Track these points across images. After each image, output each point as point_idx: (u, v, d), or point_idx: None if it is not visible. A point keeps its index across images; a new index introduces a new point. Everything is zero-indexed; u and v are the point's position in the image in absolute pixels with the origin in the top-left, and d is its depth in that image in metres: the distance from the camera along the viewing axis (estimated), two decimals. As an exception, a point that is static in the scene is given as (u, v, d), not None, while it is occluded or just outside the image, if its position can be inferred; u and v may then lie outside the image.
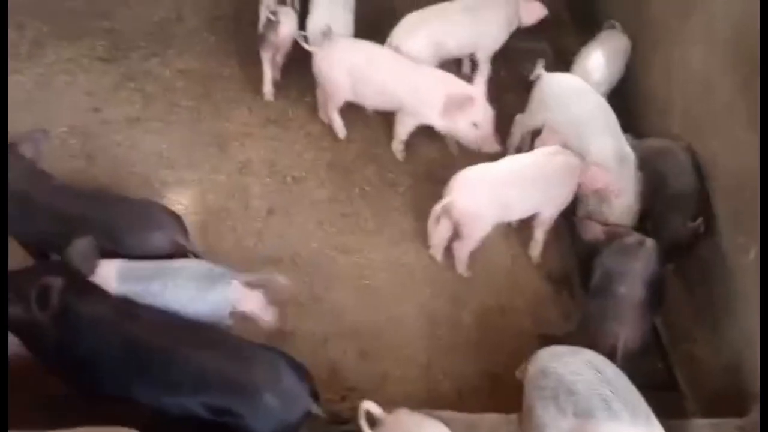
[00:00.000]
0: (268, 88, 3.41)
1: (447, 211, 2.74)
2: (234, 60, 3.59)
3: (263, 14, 3.22)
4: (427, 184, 3.26)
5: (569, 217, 2.95)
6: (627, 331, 2.33)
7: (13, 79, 3.29)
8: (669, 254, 2.56)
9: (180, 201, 2.99)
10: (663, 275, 2.51)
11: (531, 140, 3.14)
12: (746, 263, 2.37)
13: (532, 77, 3.14)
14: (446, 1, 3.39)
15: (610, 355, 2.12)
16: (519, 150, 3.21)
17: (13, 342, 2.02)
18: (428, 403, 2.29)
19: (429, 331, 2.77)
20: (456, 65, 3.62)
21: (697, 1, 2.85)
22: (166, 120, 3.28)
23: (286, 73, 3.45)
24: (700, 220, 2.56)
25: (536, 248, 3.02)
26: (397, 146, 3.30)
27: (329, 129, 3.38)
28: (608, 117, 2.93)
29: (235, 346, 2.09)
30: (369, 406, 1.93)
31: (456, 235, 2.84)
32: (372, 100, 3.18)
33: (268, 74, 3.37)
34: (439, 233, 2.87)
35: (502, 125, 3.13)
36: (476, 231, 2.81)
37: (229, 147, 3.26)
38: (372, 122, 3.43)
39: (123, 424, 1.80)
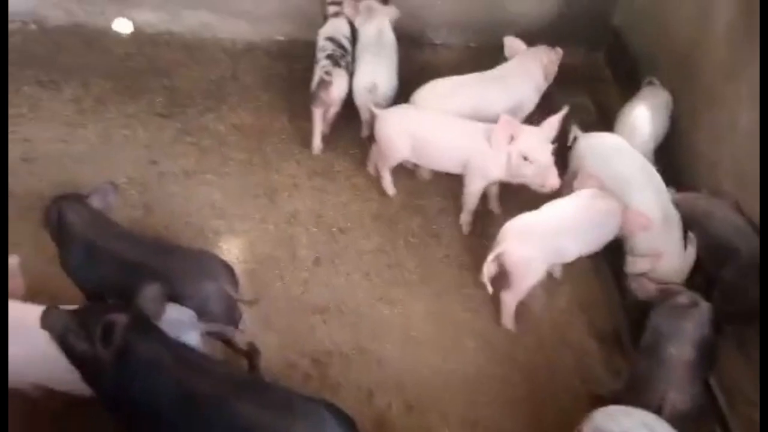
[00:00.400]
0: (317, 142, 3.54)
1: (499, 261, 2.77)
2: (284, 115, 3.74)
3: (318, 74, 3.37)
4: (471, 237, 3.30)
5: (618, 274, 2.92)
6: (675, 393, 2.27)
7: (77, 133, 3.50)
8: (737, 320, 2.50)
9: (231, 250, 3.08)
10: (715, 338, 2.45)
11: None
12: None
13: (569, 141, 3.19)
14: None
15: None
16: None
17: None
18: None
19: (475, 386, 2.74)
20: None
21: (745, 62, 2.87)
22: (220, 172, 3.41)
23: (332, 127, 3.57)
24: None
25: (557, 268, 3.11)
26: (466, 218, 3.27)
27: (374, 181, 3.47)
28: (651, 176, 2.95)
29: (283, 398, 2.09)
30: None
31: (505, 284, 2.85)
32: (437, 163, 3.24)
33: (318, 130, 3.50)
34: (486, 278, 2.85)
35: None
36: (527, 280, 2.81)
37: (278, 198, 3.35)
38: (416, 174, 3.51)
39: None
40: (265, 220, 3.24)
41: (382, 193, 3.43)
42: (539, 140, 2.94)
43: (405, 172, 3.48)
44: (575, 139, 3.17)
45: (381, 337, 2.88)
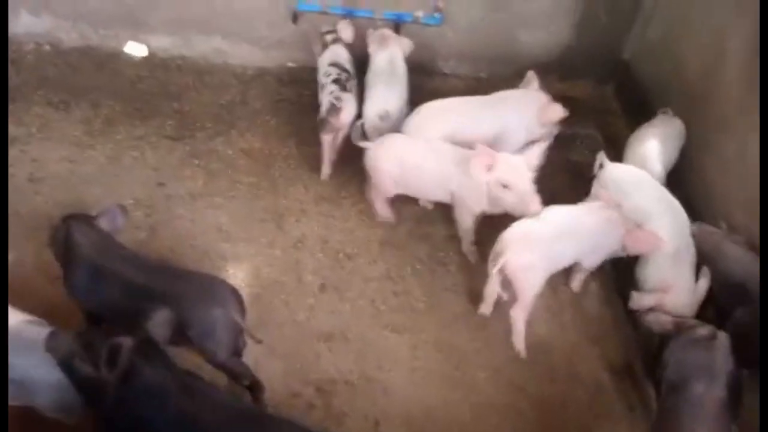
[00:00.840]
0: (326, 169, 3.53)
1: (502, 272, 2.78)
2: (292, 140, 3.74)
3: (326, 99, 3.37)
4: (479, 265, 3.25)
5: (629, 307, 2.87)
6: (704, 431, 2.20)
7: (85, 154, 3.49)
8: (751, 363, 2.43)
9: (236, 274, 3.03)
10: (740, 373, 2.39)
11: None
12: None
13: (595, 170, 3.19)
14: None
15: None
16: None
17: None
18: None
19: (485, 417, 2.66)
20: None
21: (758, 93, 2.88)
22: (227, 195, 3.39)
23: (340, 153, 3.55)
24: None
25: (576, 283, 3.15)
26: (467, 248, 3.25)
27: (382, 207, 3.45)
28: (670, 207, 2.96)
29: (287, 430, 2.04)
30: None
31: (512, 299, 2.85)
32: (424, 192, 3.25)
33: (327, 156, 3.49)
34: (493, 289, 2.91)
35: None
36: (531, 288, 2.82)
37: (285, 223, 3.32)
38: (420, 202, 3.48)
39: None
40: (271, 245, 3.21)
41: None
42: (517, 167, 2.92)
43: (413, 199, 3.45)
44: (601, 166, 3.16)
45: (387, 365, 2.81)
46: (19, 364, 2.08)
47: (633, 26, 4.14)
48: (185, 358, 2.43)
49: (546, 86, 4.28)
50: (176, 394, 1.97)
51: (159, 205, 3.29)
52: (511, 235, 2.81)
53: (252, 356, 2.55)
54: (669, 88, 3.77)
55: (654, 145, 3.30)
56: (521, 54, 4.21)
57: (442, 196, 3.20)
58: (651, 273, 2.85)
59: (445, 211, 3.38)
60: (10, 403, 2.16)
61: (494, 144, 3.33)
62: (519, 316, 2.85)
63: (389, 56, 3.61)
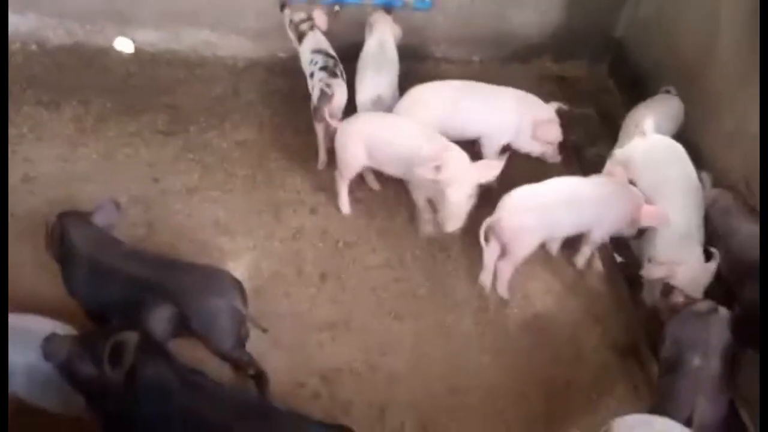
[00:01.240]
0: (322, 157, 3.50)
1: (493, 229, 2.83)
2: (287, 131, 3.70)
3: (316, 87, 3.34)
4: (480, 249, 3.23)
5: (632, 284, 2.87)
6: (704, 403, 2.21)
7: (78, 152, 3.45)
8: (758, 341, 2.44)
9: (235, 267, 3.00)
10: (736, 345, 2.38)
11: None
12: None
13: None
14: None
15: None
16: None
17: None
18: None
19: (490, 403, 2.67)
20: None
21: (756, 66, 2.85)
22: (223, 189, 3.36)
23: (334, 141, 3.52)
24: None
25: (581, 259, 3.16)
26: (424, 224, 3.20)
27: (379, 195, 3.43)
28: (689, 188, 2.93)
29: (292, 422, 2.04)
30: None
31: (502, 253, 2.90)
32: (389, 167, 3.15)
33: (322, 144, 3.46)
34: (490, 256, 2.94)
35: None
36: (522, 248, 2.88)
37: (283, 214, 3.30)
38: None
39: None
40: (270, 237, 3.19)
41: (388, 207, 3.39)
42: (462, 179, 2.79)
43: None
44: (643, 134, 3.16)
45: (391, 353, 2.81)
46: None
47: (625, 3, 4.11)
48: (188, 353, 2.43)
49: (540, 67, 4.31)
50: (179, 389, 1.96)
51: (155, 200, 3.26)
52: (511, 196, 2.88)
53: (255, 348, 2.55)
54: (664, 65, 3.75)
55: (650, 123, 3.27)
56: (513, 35, 4.18)
57: (402, 173, 3.13)
58: (661, 249, 2.81)
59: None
60: None
61: (479, 136, 3.34)
62: (505, 268, 2.95)
63: (378, 40, 3.57)
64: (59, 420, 2.29)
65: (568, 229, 3.00)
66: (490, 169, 2.86)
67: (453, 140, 3.25)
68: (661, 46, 3.78)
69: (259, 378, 2.50)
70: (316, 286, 3.02)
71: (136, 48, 4.04)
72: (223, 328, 2.32)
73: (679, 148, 3.07)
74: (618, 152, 3.16)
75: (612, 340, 2.91)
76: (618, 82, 4.22)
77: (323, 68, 3.37)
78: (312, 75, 3.41)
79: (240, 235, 3.17)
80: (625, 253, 3.14)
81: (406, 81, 3.58)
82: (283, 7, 3.77)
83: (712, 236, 2.80)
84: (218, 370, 2.50)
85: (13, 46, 3.90)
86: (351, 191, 3.37)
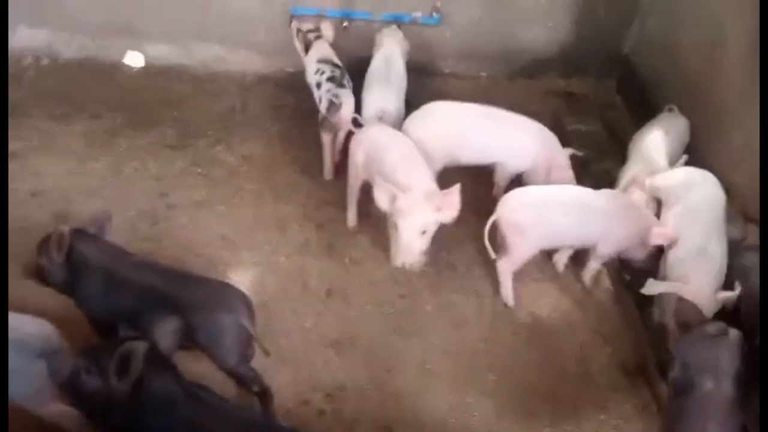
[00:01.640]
0: (328, 167, 3.51)
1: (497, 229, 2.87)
2: (294, 146, 3.71)
3: (324, 98, 3.35)
4: (487, 266, 3.22)
5: (641, 304, 2.83)
6: (714, 428, 2.16)
7: (87, 166, 3.48)
8: None
9: (241, 282, 2.98)
10: (748, 369, 2.32)
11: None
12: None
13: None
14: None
15: None
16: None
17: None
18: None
19: (497, 422, 2.64)
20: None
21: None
22: (230, 203, 3.37)
23: (342, 155, 3.49)
24: None
25: (588, 274, 3.14)
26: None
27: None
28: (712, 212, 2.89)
29: None
30: None
31: (502, 251, 2.94)
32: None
33: (329, 156, 3.47)
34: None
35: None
36: (519, 249, 2.91)
37: (289, 229, 3.30)
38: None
39: None
40: (276, 252, 3.18)
41: (395, 222, 3.38)
42: (415, 216, 2.73)
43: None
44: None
45: (397, 370, 2.78)
46: None
47: (632, 21, 4.12)
48: (193, 368, 2.42)
49: (547, 83, 4.31)
50: (184, 403, 1.96)
51: (162, 215, 3.27)
52: (512, 194, 2.94)
53: (260, 364, 2.52)
54: (671, 81, 3.74)
55: (659, 143, 3.27)
56: (521, 51, 4.19)
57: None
58: (672, 265, 2.78)
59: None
60: None
61: (493, 163, 3.32)
62: (504, 268, 2.97)
63: (386, 55, 3.60)
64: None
65: (571, 239, 2.98)
66: (450, 206, 2.77)
67: (465, 164, 3.30)
68: (668, 62, 3.77)
69: (264, 395, 2.48)
70: (321, 302, 3.00)
71: (146, 62, 4.08)
72: (229, 344, 2.31)
73: (709, 176, 3.05)
74: (649, 182, 3.12)
75: (620, 359, 2.88)
76: (625, 98, 4.22)
77: (330, 78, 3.39)
78: (319, 85, 3.43)
79: (246, 250, 3.16)
80: (634, 271, 3.10)
81: (414, 96, 3.60)
82: (292, 21, 3.82)
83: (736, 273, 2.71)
84: (223, 386, 2.48)
85: (26, 60, 3.96)
86: (360, 207, 3.38)
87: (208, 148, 3.65)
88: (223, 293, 2.38)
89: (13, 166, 3.36)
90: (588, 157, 3.64)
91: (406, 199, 2.73)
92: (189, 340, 2.29)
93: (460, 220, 3.35)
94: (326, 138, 3.42)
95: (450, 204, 2.78)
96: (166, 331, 2.04)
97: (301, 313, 2.95)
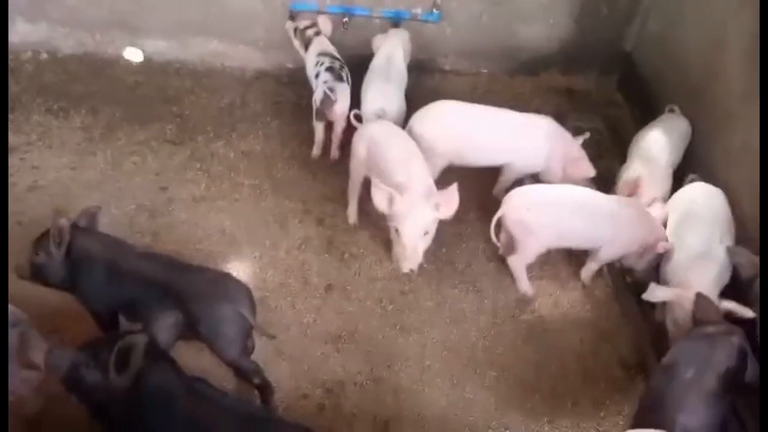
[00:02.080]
0: (316, 150, 3.56)
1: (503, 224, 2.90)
2: (294, 142, 3.70)
3: (319, 88, 3.34)
4: (487, 263, 3.23)
5: (641, 301, 2.82)
6: (686, 417, 2.17)
7: (86, 160, 3.46)
8: None
9: (241, 277, 2.94)
10: (741, 370, 2.32)
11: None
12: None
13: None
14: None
15: None
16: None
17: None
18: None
19: (497, 418, 2.64)
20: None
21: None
22: (230, 199, 3.36)
23: (342, 148, 3.51)
24: None
25: (587, 274, 3.14)
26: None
27: (386, 206, 3.41)
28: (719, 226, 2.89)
29: None
30: None
31: (511, 249, 2.95)
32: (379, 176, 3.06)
33: (319, 139, 3.52)
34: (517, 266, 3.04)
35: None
36: (527, 246, 2.93)
37: (289, 224, 3.29)
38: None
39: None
40: (275, 247, 3.18)
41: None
42: (416, 217, 2.71)
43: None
44: (691, 181, 3.18)
45: (396, 366, 2.78)
46: None
47: (634, 18, 4.11)
48: (193, 362, 2.42)
49: (548, 80, 4.30)
50: (183, 397, 1.95)
51: (162, 209, 3.26)
52: (518, 190, 2.96)
53: (260, 359, 2.53)
54: (672, 79, 3.74)
55: (660, 144, 3.27)
56: (521, 48, 4.18)
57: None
58: (673, 269, 2.79)
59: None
60: None
61: (503, 164, 3.29)
62: (515, 264, 3.01)
63: (387, 53, 3.59)
64: (61, 420, 2.29)
65: (579, 239, 2.98)
66: (449, 204, 2.75)
67: (471, 165, 3.28)
68: (670, 60, 3.77)
69: (265, 388, 2.48)
70: (321, 298, 3.00)
71: (145, 57, 4.06)
72: (230, 335, 2.31)
73: (711, 188, 3.05)
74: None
75: (620, 355, 2.88)
76: (626, 95, 4.21)
77: (329, 69, 3.39)
78: (317, 75, 3.42)
79: (246, 245, 3.16)
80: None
81: (414, 94, 3.60)
82: (292, 19, 3.80)
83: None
84: (223, 380, 2.49)
85: (24, 54, 3.93)
86: (359, 202, 3.36)
87: (207, 144, 3.63)
88: (225, 284, 2.38)
89: (12, 161, 3.35)
90: (589, 155, 3.64)
91: (404, 200, 2.71)
92: (190, 330, 2.28)
93: (459, 217, 3.36)
94: (319, 126, 3.46)
95: (449, 201, 2.76)
96: (164, 325, 2.02)
97: (300, 308, 2.94)
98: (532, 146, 3.24)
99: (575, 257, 3.22)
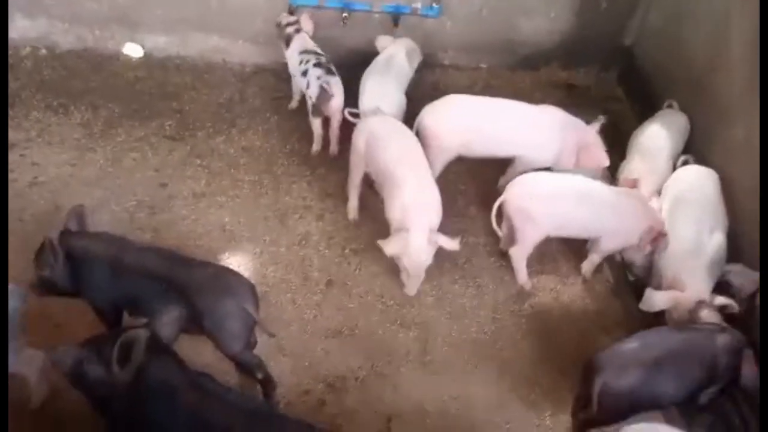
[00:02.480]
0: (316, 147, 3.57)
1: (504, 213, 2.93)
2: (293, 137, 3.70)
3: (313, 85, 3.33)
4: (487, 257, 3.23)
5: (639, 295, 2.83)
6: (610, 374, 2.26)
7: (86, 157, 3.46)
8: None
9: (241, 273, 2.98)
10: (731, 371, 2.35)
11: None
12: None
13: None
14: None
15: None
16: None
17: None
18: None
19: (498, 412, 2.65)
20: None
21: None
22: (230, 194, 3.35)
23: (341, 142, 3.50)
24: None
25: (588, 267, 3.14)
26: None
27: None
28: (709, 213, 2.92)
29: (297, 430, 2.02)
30: None
31: (512, 239, 2.97)
32: (374, 176, 3.12)
33: (317, 134, 3.52)
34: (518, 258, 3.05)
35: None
36: (527, 235, 2.92)
37: (289, 220, 3.29)
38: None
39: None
40: (276, 243, 3.18)
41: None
42: (421, 259, 2.79)
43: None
44: (685, 162, 3.21)
45: (397, 361, 2.79)
46: None
47: (635, 12, 4.10)
48: (195, 357, 2.42)
49: (549, 74, 4.29)
50: (186, 391, 1.95)
51: (162, 205, 3.25)
52: (520, 178, 2.97)
53: (261, 354, 2.53)
54: (673, 74, 3.73)
55: (659, 139, 3.27)
56: (522, 43, 4.18)
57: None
58: (667, 263, 2.82)
59: (452, 205, 3.34)
60: None
61: (514, 156, 3.28)
62: (516, 256, 3.01)
63: (389, 54, 3.59)
64: (62, 421, 2.30)
65: (579, 229, 2.99)
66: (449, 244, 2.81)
67: (480, 156, 3.29)
68: (671, 54, 3.76)
69: (267, 383, 2.48)
70: (322, 293, 3.00)
71: (144, 53, 4.05)
72: (233, 329, 2.32)
73: (706, 174, 3.07)
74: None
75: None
76: (627, 90, 4.21)
77: (318, 65, 3.39)
78: (305, 73, 3.42)
79: (246, 241, 3.16)
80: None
81: (414, 88, 3.60)
82: (292, 14, 3.79)
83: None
84: (225, 374, 2.50)
85: (23, 50, 3.92)
86: (359, 198, 3.37)
87: (207, 139, 3.63)
88: (229, 279, 2.38)
89: (12, 157, 3.35)
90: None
91: (404, 240, 2.76)
92: (194, 325, 2.29)
93: (460, 213, 3.38)
94: (316, 122, 3.46)
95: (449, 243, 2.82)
96: (167, 320, 2.03)
97: (301, 303, 2.95)
98: (543, 137, 3.20)
99: (576, 252, 3.23)
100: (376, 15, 3.94)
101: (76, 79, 3.86)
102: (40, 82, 3.80)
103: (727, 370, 2.33)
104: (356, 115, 3.25)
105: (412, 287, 2.94)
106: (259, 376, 2.45)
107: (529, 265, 3.10)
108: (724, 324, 2.49)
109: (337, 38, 3.80)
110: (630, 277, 3.14)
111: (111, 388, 1.92)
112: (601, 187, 2.99)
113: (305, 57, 3.47)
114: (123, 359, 1.90)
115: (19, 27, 3.88)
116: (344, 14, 3.91)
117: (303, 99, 3.64)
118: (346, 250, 3.20)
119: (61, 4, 3.87)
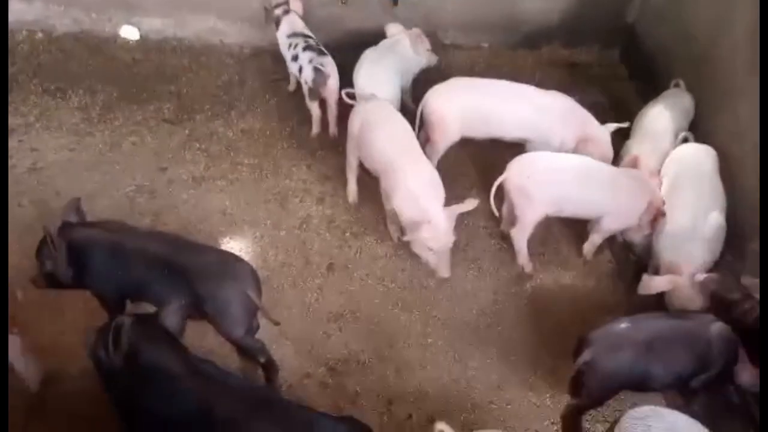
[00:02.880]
0: (316, 129, 3.55)
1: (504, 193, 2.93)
2: (293, 120, 3.67)
3: (306, 68, 3.31)
4: (488, 240, 3.23)
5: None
6: (599, 350, 2.30)
7: (84, 141, 3.44)
8: None
9: (242, 257, 2.98)
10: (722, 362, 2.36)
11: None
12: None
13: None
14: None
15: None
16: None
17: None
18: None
19: (498, 393, 2.66)
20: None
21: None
22: (229, 178, 3.34)
23: (340, 125, 3.46)
24: None
25: (589, 248, 3.13)
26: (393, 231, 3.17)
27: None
28: (704, 193, 2.92)
29: (300, 414, 2.03)
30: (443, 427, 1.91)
31: (512, 220, 2.98)
32: (367, 162, 3.11)
33: (316, 117, 3.50)
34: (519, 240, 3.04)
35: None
36: (526, 214, 2.92)
37: (289, 203, 3.28)
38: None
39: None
40: (276, 226, 3.17)
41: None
42: (438, 233, 2.77)
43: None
44: (685, 139, 3.20)
45: (398, 344, 2.80)
46: None
47: (637, -12, 4.03)
48: (197, 343, 2.44)
49: (550, 53, 4.24)
50: (187, 378, 1.96)
51: (161, 190, 3.25)
52: (520, 158, 2.97)
53: (263, 338, 2.54)
54: (676, 51, 3.68)
55: (663, 120, 3.24)
56: (523, 21, 4.12)
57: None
58: (665, 243, 2.82)
59: (453, 188, 3.30)
60: None
61: (520, 140, 3.25)
62: (516, 237, 3.01)
63: (392, 40, 3.54)
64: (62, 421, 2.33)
65: (579, 208, 2.98)
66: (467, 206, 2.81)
67: (483, 138, 3.28)
68: (674, 32, 3.70)
69: (269, 367, 2.50)
70: (323, 276, 3.00)
71: (141, 35, 4.01)
72: (235, 314, 2.33)
73: (704, 152, 3.06)
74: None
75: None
76: (630, 68, 4.16)
77: (307, 48, 3.36)
78: (296, 57, 3.39)
79: (246, 225, 3.15)
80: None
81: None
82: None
83: None
84: (227, 358, 2.51)
85: (20, 34, 3.89)
86: (360, 180, 3.34)
87: (206, 123, 3.61)
88: (231, 264, 2.38)
89: (11, 143, 3.33)
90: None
91: (431, 232, 2.75)
92: (196, 310, 2.30)
93: (461, 196, 3.34)
94: (313, 105, 3.44)
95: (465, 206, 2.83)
96: (172, 309, 2.04)
97: (302, 287, 2.95)
98: (548, 122, 3.18)
99: (577, 235, 3.21)
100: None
101: (73, 62, 3.83)
102: (38, 67, 3.77)
103: (720, 358, 2.33)
104: (352, 96, 3.21)
105: (445, 268, 2.91)
106: (262, 360, 2.46)
107: (530, 248, 3.09)
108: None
109: (336, 18, 3.74)
110: (632, 256, 3.13)
111: (111, 371, 1.95)
112: (600, 166, 2.98)
113: (293, 41, 3.43)
114: (115, 344, 1.93)
115: (15, 10, 3.83)
116: (343, -4, 3.86)
117: (300, 81, 3.60)
118: (347, 234, 3.19)
119: (56, -14, 3.83)
